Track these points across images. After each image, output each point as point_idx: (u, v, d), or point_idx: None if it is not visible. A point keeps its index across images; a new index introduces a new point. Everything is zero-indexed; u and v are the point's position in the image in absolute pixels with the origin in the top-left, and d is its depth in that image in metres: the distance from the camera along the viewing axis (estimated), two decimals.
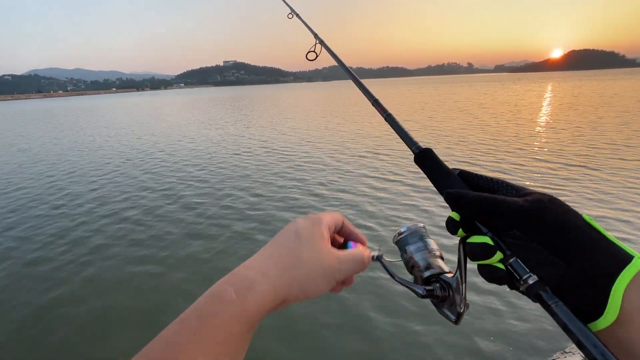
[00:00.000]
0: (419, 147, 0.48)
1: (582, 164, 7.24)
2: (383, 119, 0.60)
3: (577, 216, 0.33)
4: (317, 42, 1.03)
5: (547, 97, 27.59)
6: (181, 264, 4.05)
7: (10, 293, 3.64)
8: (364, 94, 0.66)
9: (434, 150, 0.46)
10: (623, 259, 0.30)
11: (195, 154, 10.33)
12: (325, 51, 1.00)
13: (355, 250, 0.43)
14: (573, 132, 11.06)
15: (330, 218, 0.44)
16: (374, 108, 0.65)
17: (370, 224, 4.70)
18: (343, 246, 0.45)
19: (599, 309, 0.29)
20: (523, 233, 0.33)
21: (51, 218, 5.66)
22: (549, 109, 18.61)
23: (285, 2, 1.40)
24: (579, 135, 10.40)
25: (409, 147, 0.50)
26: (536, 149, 8.85)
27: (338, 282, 0.41)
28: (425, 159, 0.46)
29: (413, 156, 0.48)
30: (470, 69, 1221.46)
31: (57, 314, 3.27)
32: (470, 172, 0.42)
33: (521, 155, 8.20)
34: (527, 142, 9.62)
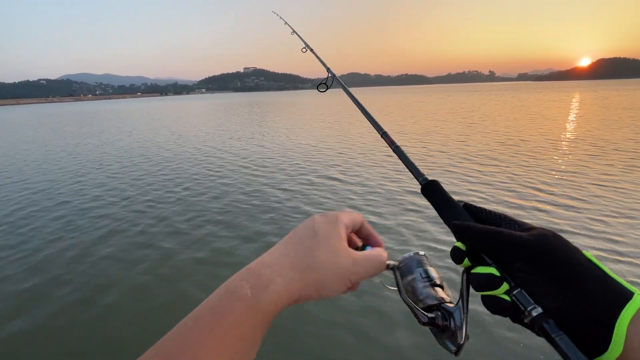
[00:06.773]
0: (425, 178, 0.48)
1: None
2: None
3: (580, 252, 0.34)
4: (330, 75, 1.05)
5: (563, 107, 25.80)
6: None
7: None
8: (373, 126, 0.67)
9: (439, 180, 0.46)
10: (625, 295, 0.31)
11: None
12: (337, 79, 1.03)
13: (372, 251, 0.42)
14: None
15: (348, 217, 0.43)
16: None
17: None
18: (361, 249, 0.44)
19: (603, 344, 0.30)
20: (528, 265, 0.34)
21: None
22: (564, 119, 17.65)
23: (300, 37, 1.47)
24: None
25: (415, 178, 0.50)
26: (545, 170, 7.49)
27: (353, 284, 0.40)
28: (432, 191, 0.46)
29: (420, 187, 0.48)
30: (491, 77, 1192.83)
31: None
32: (474, 205, 0.43)
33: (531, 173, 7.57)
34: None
